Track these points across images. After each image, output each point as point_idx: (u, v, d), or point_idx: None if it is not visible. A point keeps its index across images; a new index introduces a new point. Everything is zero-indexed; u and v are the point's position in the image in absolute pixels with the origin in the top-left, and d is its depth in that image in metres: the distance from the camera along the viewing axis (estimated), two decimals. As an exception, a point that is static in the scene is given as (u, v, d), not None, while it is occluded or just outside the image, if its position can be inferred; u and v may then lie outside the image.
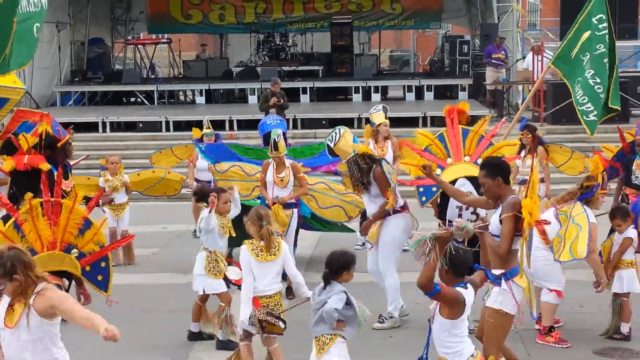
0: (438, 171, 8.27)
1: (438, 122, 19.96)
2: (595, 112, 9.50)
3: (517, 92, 23.33)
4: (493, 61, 21.68)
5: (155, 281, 10.69)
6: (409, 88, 24.51)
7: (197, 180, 12.55)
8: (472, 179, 8.00)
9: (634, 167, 10.36)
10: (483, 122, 8.67)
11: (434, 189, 8.37)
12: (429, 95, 24.01)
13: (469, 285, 5.46)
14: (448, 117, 8.64)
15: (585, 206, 7.92)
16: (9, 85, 8.85)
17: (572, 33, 9.71)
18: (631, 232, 8.11)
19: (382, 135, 11.63)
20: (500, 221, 6.27)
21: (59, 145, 8.92)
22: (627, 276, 8.08)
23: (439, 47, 31.03)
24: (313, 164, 10.82)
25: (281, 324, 6.77)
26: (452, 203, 8.29)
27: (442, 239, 5.31)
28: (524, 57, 24.16)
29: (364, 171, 8.32)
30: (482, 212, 8.09)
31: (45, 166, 8.51)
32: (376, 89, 24.17)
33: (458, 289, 5.36)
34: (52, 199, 5.78)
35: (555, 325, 8.28)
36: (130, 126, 21.22)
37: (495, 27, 23.44)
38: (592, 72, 9.43)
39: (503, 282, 6.25)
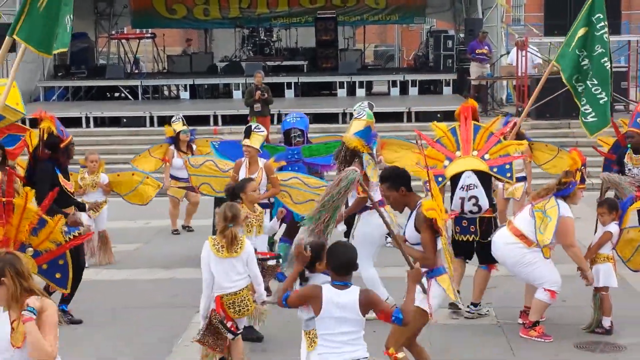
0: (446, 162, 8.69)
1: (422, 117, 20.00)
2: (593, 114, 9.58)
3: (502, 88, 23.41)
4: (477, 56, 21.70)
5: (137, 277, 10.66)
6: (394, 83, 24.53)
7: (173, 177, 12.50)
8: (478, 173, 8.42)
9: (626, 160, 10.43)
10: (495, 120, 9.05)
11: (440, 179, 8.58)
12: (413, 90, 24.02)
13: (352, 286, 5.21)
14: (462, 113, 8.87)
15: (559, 200, 7.93)
16: (11, 105, 8.90)
17: (572, 29, 9.79)
18: (613, 227, 8.16)
19: None
20: (417, 230, 6.38)
21: (62, 145, 8.80)
22: (603, 270, 8.12)
23: (423, 42, 31.04)
24: (328, 162, 10.55)
25: (229, 335, 6.97)
26: (457, 194, 8.47)
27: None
28: (508, 53, 24.23)
29: (346, 161, 8.43)
30: (484, 204, 8.23)
31: None
32: (361, 84, 24.17)
33: (325, 286, 5.25)
34: (4, 199, 5.70)
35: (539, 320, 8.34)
36: (115, 121, 21.15)
37: (479, 22, 23.48)
38: (595, 79, 9.51)
39: (425, 280, 6.33)
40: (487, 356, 7.69)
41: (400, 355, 6.46)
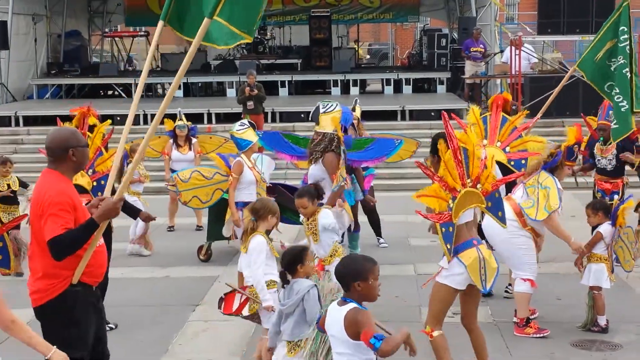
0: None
1: (417, 115, 20.01)
2: (615, 121, 9.84)
3: (496, 86, 23.42)
4: (471, 55, 21.71)
5: (132, 275, 10.62)
6: (388, 81, 24.53)
7: (173, 171, 12.49)
8: (498, 163, 8.57)
9: (595, 151, 10.57)
10: (521, 114, 9.24)
11: None
12: (407, 89, 24.03)
13: (349, 303, 4.79)
14: (495, 103, 9.17)
15: (547, 173, 8.06)
16: None
17: (598, 38, 10.05)
18: (604, 227, 8.16)
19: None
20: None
21: None
22: (595, 269, 8.11)
23: (417, 41, 31.08)
24: (360, 157, 10.38)
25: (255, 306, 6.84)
26: None
27: None
28: (502, 51, 24.24)
29: (325, 150, 8.82)
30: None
31: None
32: (355, 82, 24.17)
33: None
34: None
35: (531, 317, 8.34)
36: (108, 119, 21.03)
37: (473, 20, 23.48)
38: (617, 88, 9.75)
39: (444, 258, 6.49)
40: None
41: (435, 333, 6.48)
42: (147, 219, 8.95)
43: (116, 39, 29.94)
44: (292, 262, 5.98)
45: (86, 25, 29.44)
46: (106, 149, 8.69)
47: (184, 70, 5.49)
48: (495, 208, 6.68)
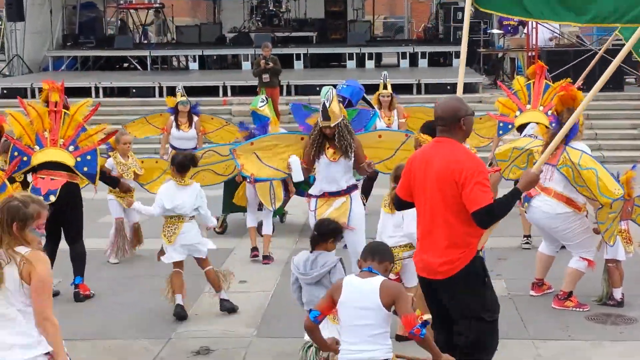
0: (518, 113, 10.48)
1: (432, 89, 19.94)
2: None
3: (510, 60, 23.27)
4: (503, 27, 21.76)
5: (147, 247, 10.57)
6: (403, 55, 24.42)
7: (173, 147, 12.40)
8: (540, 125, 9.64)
9: None
10: (564, 81, 9.58)
11: (510, 126, 10.65)
12: (423, 62, 23.92)
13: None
14: (536, 71, 10.14)
15: (572, 145, 7.86)
16: None
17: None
18: None
19: (384, 105, 11.61)
20: None
21: None
22: None
23: (433, 14, 30.86)
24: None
25: None
26: None
27: None
28: (520, 24, 24.07)
29: (353, 137, 7.83)
30: None
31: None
32: (370, 56, 24.06)
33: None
34: None
35: (548, 291, 8.35)
36: (123, 92, 21.10)
37: (490, -7, 23.26)
38: None
39: None
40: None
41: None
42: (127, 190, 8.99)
43: (131, 10, 29.87)
44: (325, 235, 6.01)
45: (101, -3, 29.41)
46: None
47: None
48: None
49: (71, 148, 8.49)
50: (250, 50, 23.60)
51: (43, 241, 4.82)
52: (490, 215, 5.19)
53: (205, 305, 8.40)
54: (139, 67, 24.55)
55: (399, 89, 19.72)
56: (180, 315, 7.97)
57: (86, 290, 8.70)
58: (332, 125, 7.67)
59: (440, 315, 5.58)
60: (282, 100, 18.20)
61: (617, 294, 8.14)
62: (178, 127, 12.28)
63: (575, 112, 6.78)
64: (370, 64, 23.76)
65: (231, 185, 10.67)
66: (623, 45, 7.62)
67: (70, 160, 8.45)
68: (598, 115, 17.60)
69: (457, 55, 23.79)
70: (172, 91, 13.32)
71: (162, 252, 8.21)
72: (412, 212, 5.83)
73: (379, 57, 25.32)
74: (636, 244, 8.22)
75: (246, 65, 23.11)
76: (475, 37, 23.11)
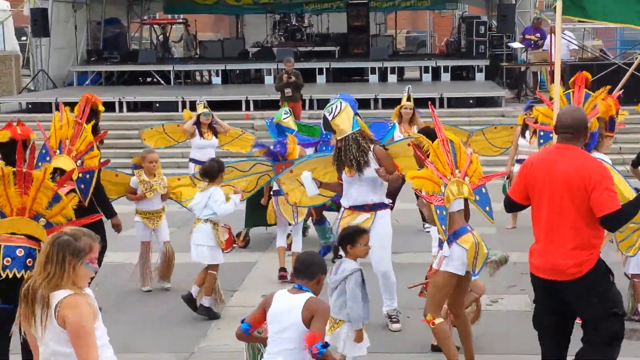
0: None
1: (455, 103, 19.92)
2: None
3: (533, 74, 23.22)
4: (525, 41, 21.82)
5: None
6: (425, 69, 24.41)
7: (194, 161, 12.50)
8: None
9: None
10: (603, 90, 9.45)
11: (551, 135, 10.24)
12: (445, 77, 23.90)
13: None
14: (577, 81, 9.76)
15: (595, 154, 7.66)
16: None
17: None
18: None
19: (405, 118, 11.61)
20: None
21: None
22: (636, 257, 8.00)
23: (455, 28, 30.89)
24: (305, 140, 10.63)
25: None
26: None
27: None
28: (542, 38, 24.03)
29: (364, 150, 7.64)
30: None
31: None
32: (392, 70, 24.08)
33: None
34: (24, 170, 6.12)
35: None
36: (147, 106, 21.25)
37: (512, 7, 23.29)
38: None
39: (446, 244, 6.53)
40: (519, 347, 7.59)
41: (437, 320, 6.49)
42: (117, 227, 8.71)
43: (155, 26, 30.08)
44: (342, 240, 6.09)
45: (125, 12, 29.61)
46: (102, 143, 8.93)
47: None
48: (483, 202, 6.86)
49: (78, 162, 8.51)
50: (272, 65, 23.69)
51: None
52: (617, 220, 5.68)
53: (227, 319, 8.41)
54: (162, 82, 24.71)
55: (421, 103, 19.74)
56: (187, 298, 8.50)
57: None
58: (338, 138, 7.69)
59: (559, 313, 5.95)
60: (304, 114, 18.25)
61: (642, 309, 8.08)
62: (202, 135, 12.58)
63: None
64: (392, 78, 23.78)
65: (254, 200, 10.69)
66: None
67: (69, 168, 8.37)
68: (622, 130, 17.46)
69: (480, 69, 23.81)
70: (194, 106, 13.40)
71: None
72: None
73: (401, 71, 25.34)
74: None
75: (269, 79, 23.18)
76: (497, 51, 23.11)
